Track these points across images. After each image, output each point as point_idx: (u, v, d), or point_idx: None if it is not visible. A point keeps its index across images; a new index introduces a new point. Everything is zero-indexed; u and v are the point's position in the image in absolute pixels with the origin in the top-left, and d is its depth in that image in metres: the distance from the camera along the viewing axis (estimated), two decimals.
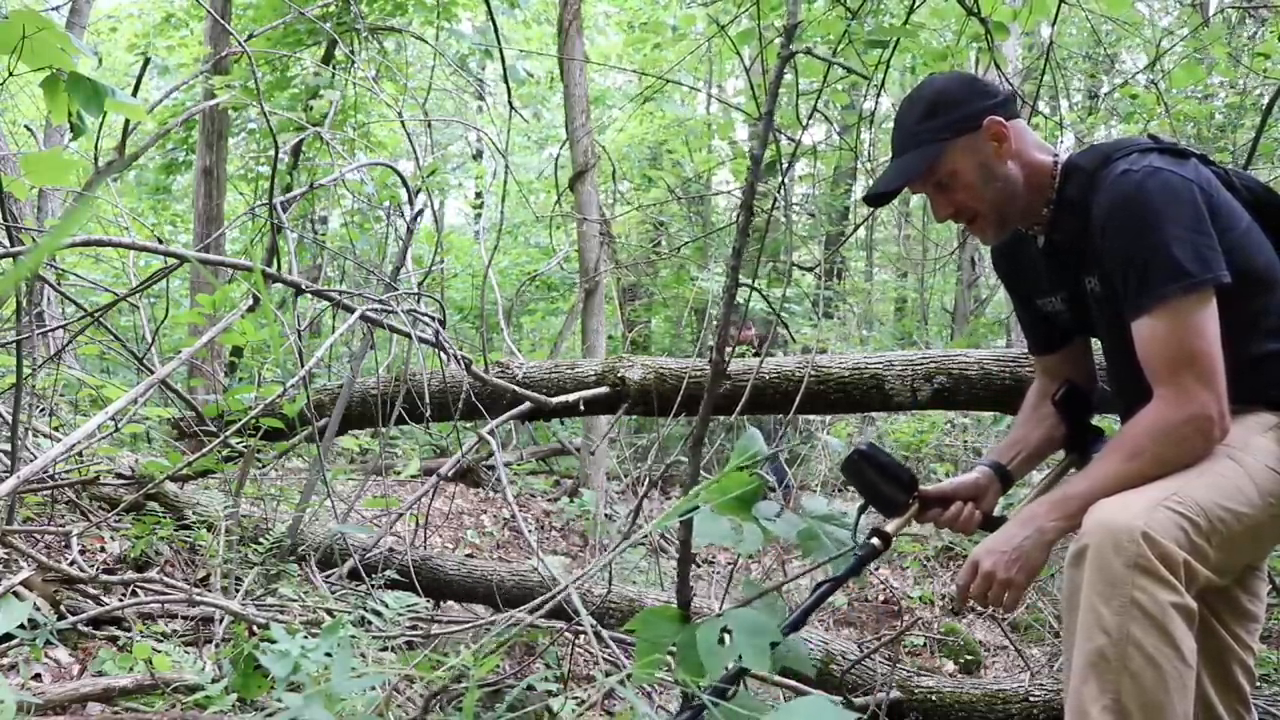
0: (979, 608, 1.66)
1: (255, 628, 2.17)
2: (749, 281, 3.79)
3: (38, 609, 2.07)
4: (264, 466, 3.67)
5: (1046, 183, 1.75)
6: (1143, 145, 1.67)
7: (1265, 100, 4.92)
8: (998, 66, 3.15)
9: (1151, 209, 1.57)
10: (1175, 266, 1.55)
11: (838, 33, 3.12)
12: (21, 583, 2.12)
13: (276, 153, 3.33)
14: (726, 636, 1.25)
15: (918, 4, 3.25)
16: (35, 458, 2.70)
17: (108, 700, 1.83)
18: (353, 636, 1.95)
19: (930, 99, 1.73)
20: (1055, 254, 1.80)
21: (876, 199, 1.77)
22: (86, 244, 2.78)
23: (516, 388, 3.29)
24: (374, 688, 1.59)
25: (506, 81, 3.82)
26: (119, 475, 3.03)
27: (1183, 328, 1.55)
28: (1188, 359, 1.54)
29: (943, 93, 1.73)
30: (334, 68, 6.53)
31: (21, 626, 1.98)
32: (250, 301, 2.69)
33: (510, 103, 3.81)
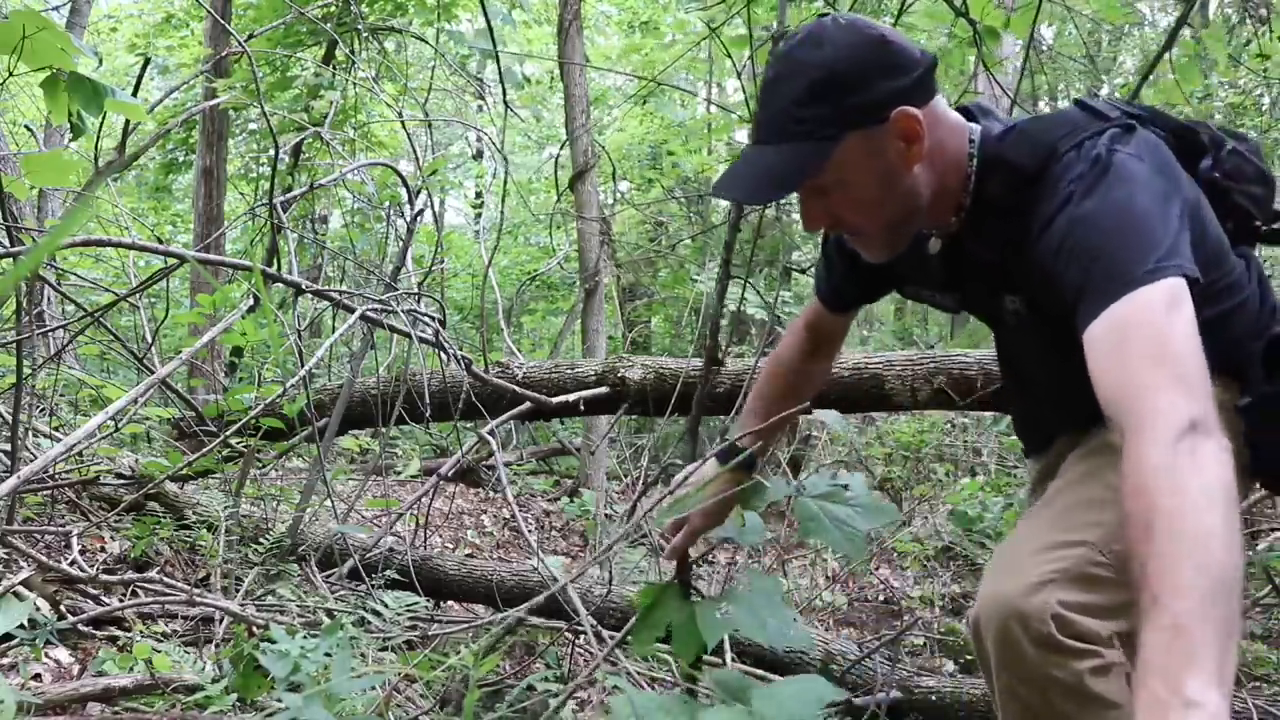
0: None
1: (255, 628, 2.17)
2: (744, 277, 3.79)
3: (38, 609, 2.08)
4: (264, 466, 3.67)
5: (960, 182, 1.34)
6: (1087, 128, 1.30)
7: (1265, 100, 4.92)
8: (987, 69, 3.14)
9: (1122, 209, 1.23)
10: (1154, 254, 1.19)
11: None
12: (21, 583, 2.12)
13: (276, 153, 3.34)
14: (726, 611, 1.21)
15: (909, 4, 3.24)
16: (35, 458, 2.70)
17: (108, 700, 1.83)
18: (353, 637, 1.95)
19: (821, 71, 1.24)
20: (959, 263, 1.44)
21: (744, 201, 1.39)
22: (86, 244, 2.79)
23: (516, 388, 3.29)
24: (374, 688, 1.59)
25: (502, 83, 3.82)
26: (119, 475, 3.03)
27: (1161, 319, 1.16)
28: (1161, 358, 1.15)
29: (840, 64, 1.24)
30: (334, 68, 6.53)
31: (21, 626, 1.98)
32: (251, 302, 2.69)
33: (504, 102, 3.81)
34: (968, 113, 1.40)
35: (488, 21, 3.82)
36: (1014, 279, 1.37)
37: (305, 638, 1.52)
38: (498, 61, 3.71)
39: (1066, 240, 1.23)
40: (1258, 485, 1.48)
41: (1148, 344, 1.13)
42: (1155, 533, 0.99)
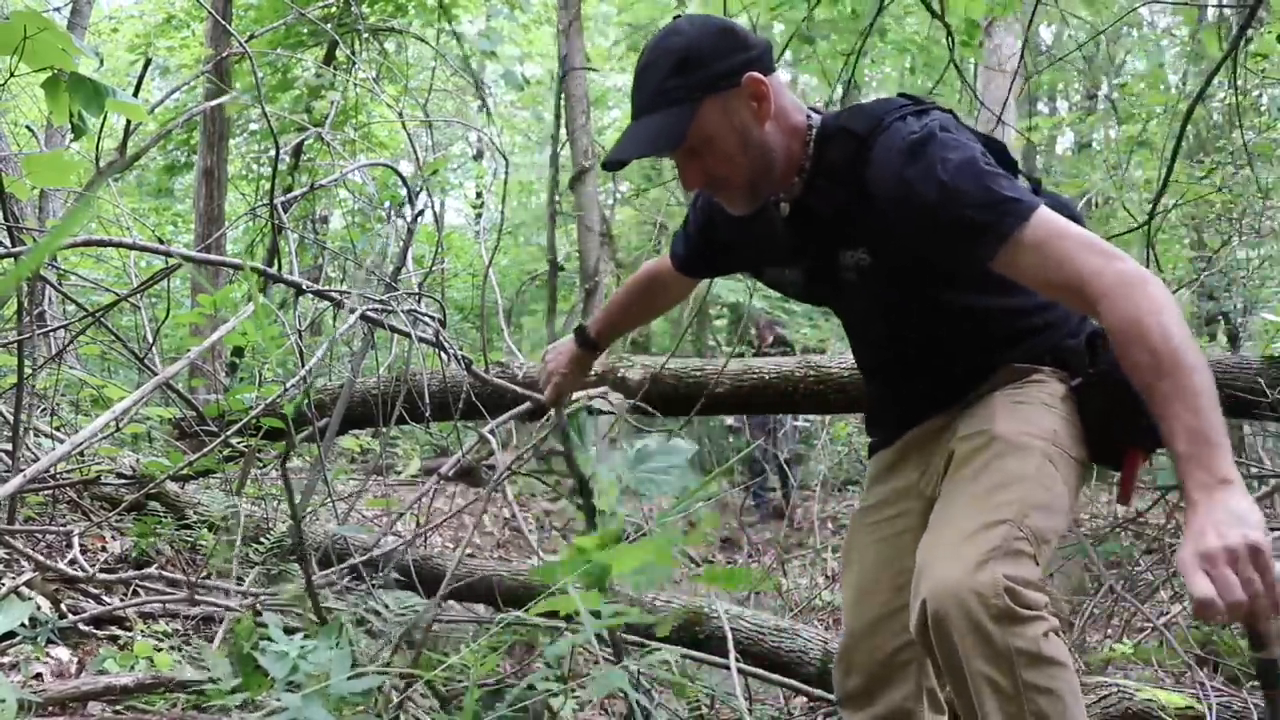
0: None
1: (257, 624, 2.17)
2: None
3: (39, 608, 2.08)
4: (264, 466, 3.68)
5: (801, 147, 1.58)
6: (910, 107, 1.52)
7: (1264, 100, 4.92)
8: (959, 72, 3.16)
9: (955, 165, 1.42)
10: (1006, 198, 1.41)
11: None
12: (23, 583, 2.12)
13: (277, 154, 3.34)
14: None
15: (887, 3, 3.28)
16: (36, 457, 2.71)
17: (109, 698, 1.84)
18: (350, 639, 1.95)
19: (681, 51, 1.49)
20: (805, 224, 1.63)
21: (617, 164, 1.59)
22: (87, 244, 2.79)
23: (517, 388, 3.29)
24: (379, 688, 1.60)
25: (481, 95, 3.82)
26: (120, 475, 3.04)
27: (1053, 234, 1.39)
28: (1075, 258, 1.37)
29: (695, 45, 1.49)
30: (335, 69, 6.53)
31: (22, 625, 1.99)
32: (267, 303, 2.69)
33: (485, 108, 3.81)
34: (820, 113, 1.65)
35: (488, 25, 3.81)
36: (852, 233, 1.58)
37: (305, 637, 1.52)
38: (498, 55, 3.71)
39: (930, 193, 1.43)
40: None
41: (1072, 242, 1.38)
42: (1162, 360, 1.27)
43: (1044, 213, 1.41)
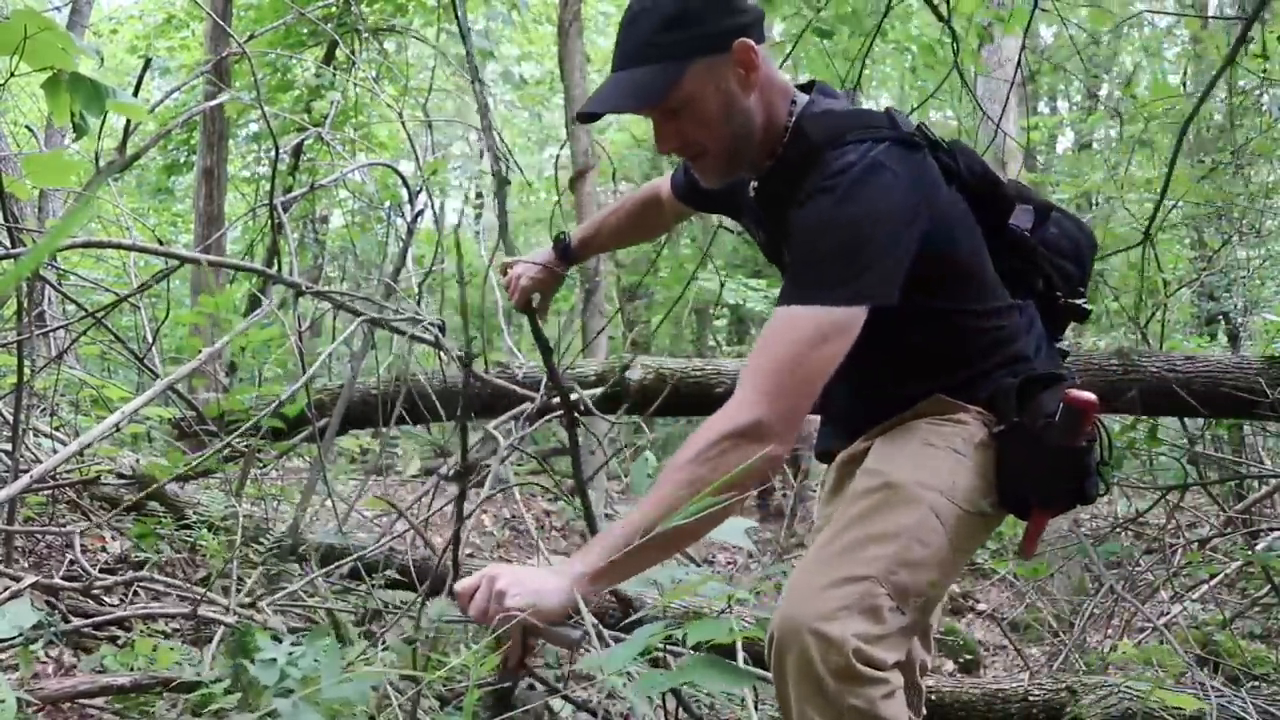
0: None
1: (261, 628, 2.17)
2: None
3: (40, 610, 2.08)
4: (264, 466, 3.68)
5: (779, 132, 1.52)
6: (877, 131, 1.47)
7: (1264, 101, 4.92)
8: (961, 78, 3.16)
9: (854, 215, 1.41)
10: (846, 276, 1.40)
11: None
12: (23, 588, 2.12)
13: (277, 153, 3.34)
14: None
15: (895, 3, 3.28)
16: (36, 458, 2.71)
17: (107, 698, 1.83)
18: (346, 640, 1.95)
19: (673, 7, 1.43)
20: (765, 206, 1.61)
21: (590, 116, 1.52)
22: (87, 245, 2.79)
23: (517, 388, 3.29)
24: (374, 688, 1.60)
25: (475, 80, 3.80)
26: (119, 475, 3.04)
27: (814, 337, 1.39)
28: (788, 369, 1.39)
29: (687, 5, 1.43)
30: (334, 69, 6.53)
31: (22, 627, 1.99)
32: (265, 304, 2.70)
33: (482, 100, 3.80)
34: (811, 86, 1.59)
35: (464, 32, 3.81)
36: (788, 225, 1.53)
37: (294, 642, 1.52)
38: (483, 53, 3.70)
39: (810, 225, 1.44)
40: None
41: (785, 350, 1.39)
42: (661, 483, 1.36)
43: (841, 315, 1.40)
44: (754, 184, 1.60)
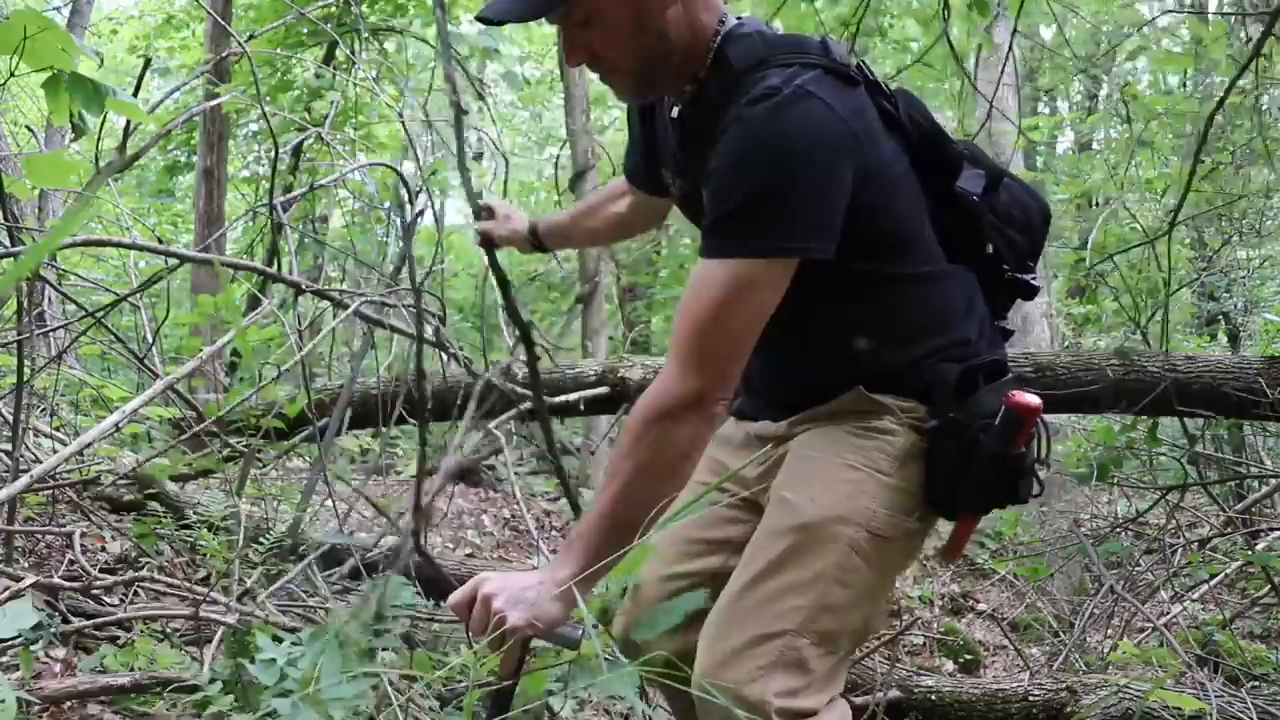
0: None
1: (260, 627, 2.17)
2: None
3: (40, 610, 2.08)
4: (264, 466, 3.68)
5: (701, 54, 1.38)
6: (809, 57, 1.33)
7: (1264, 101, 4.92)
8: (951, 47, 3.15)
9: (776, 151, 1.28)
10: (768, 224, 1.29)
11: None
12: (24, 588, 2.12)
13: (276, 153, 3.34)
14: None
15: None
16: (36, 458, 2.71)
17: (107, 698, 1.83)
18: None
19: None
20: (683, 138, 1.47)
21: (493, 23, 1.39)
22: (87, 244, 2.79)
23: (517, 387, 3.29)
24: (372, 688, 1.59)
25: (466, 86, 3.80)
26: (119, 475, 3.04)
27: (733, 293, 1.30)
28: (713, 328, 1.30)
29: None
30: (334, 69, 6.53)
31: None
32: (267, 303, 2.70)
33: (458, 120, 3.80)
34: (740, 21, 1.44)
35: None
36: (707, 165, 1.38)
37: (293, 643, 1.52)
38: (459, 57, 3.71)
39: (725, 164, 1.31)
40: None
41: (706, 312, 1.31)
42: (612, 475, 1.32)
43: (763, 269, 1.30)
44: (674, 113, 1.47)
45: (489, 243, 1.86)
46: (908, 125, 1.43)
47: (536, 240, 1.91)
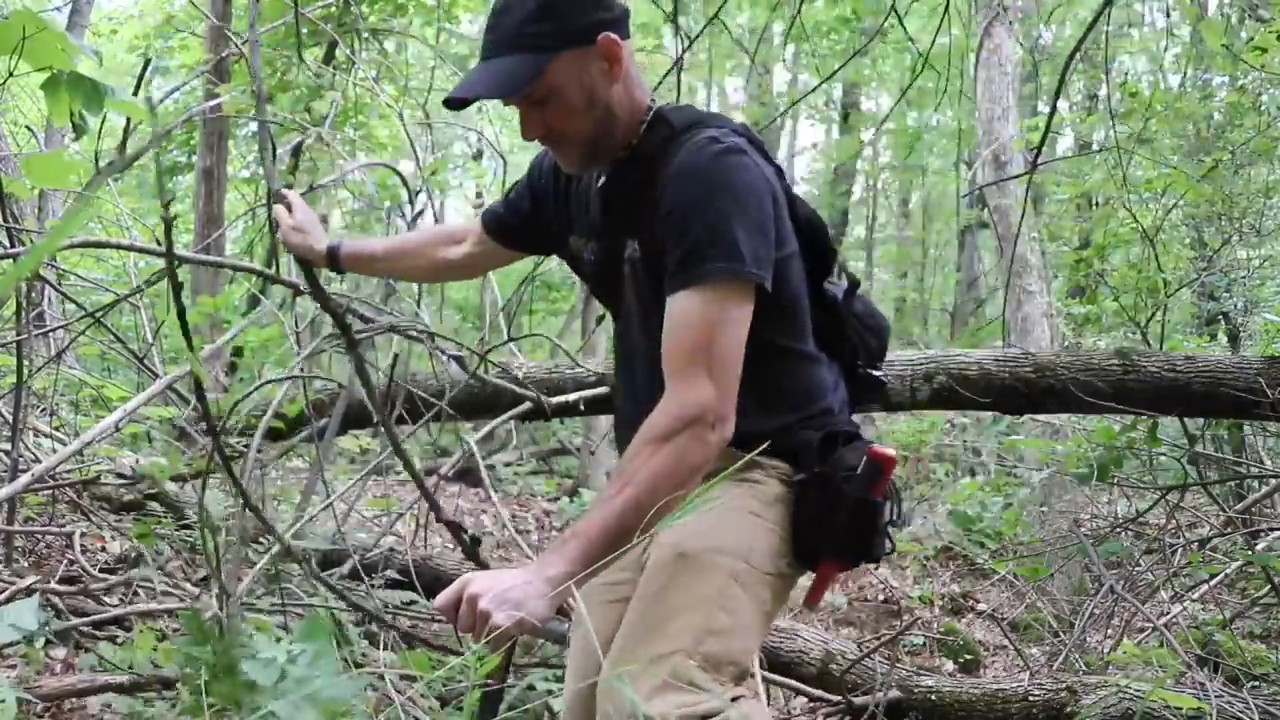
0: None
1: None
2: None
3: (40, 609, 2.08)
4: (264, 466, 3.67)
5: (636, 127, 1.57)
6: (735, 125, 1.55)
7: (1264, 99, 4.92)
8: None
9: (726, 185, 1.45)
10: (732, 248, 1.42)
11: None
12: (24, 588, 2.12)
13: (275, 153, 3.33)
14: None
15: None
16: (36, 457, 2.71)
17: (107, 697, 1.83)
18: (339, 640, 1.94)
19: (541, 1, 1.48)
20: (608, 201, 1.62)
21: (460, 103, 1.52)
22: (86, 245, 2.79)
23: (516, 388, 3.29)
24: (369, 688, 1.59)
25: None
26: (119, 475, 3.04)
27: (716, 313, 1.42)
28: (706, 348, 1.41)
29: None
30: (334, 69, 6.53)
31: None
32: (265, 304, 2.69)
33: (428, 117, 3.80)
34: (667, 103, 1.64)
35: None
36: (636, 219, 1.54)
37: (290, 643, 1.52)
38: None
39: (679, 204, 1.46)
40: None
41: (696, 335, 1.41)
42: (626, 483, 1.37)
43: (729, 287, 1.42)
44: (601, 180, 1.62)
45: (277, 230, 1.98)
46: (801, 215, 1.59)
47: (334, 263, 1.97)
